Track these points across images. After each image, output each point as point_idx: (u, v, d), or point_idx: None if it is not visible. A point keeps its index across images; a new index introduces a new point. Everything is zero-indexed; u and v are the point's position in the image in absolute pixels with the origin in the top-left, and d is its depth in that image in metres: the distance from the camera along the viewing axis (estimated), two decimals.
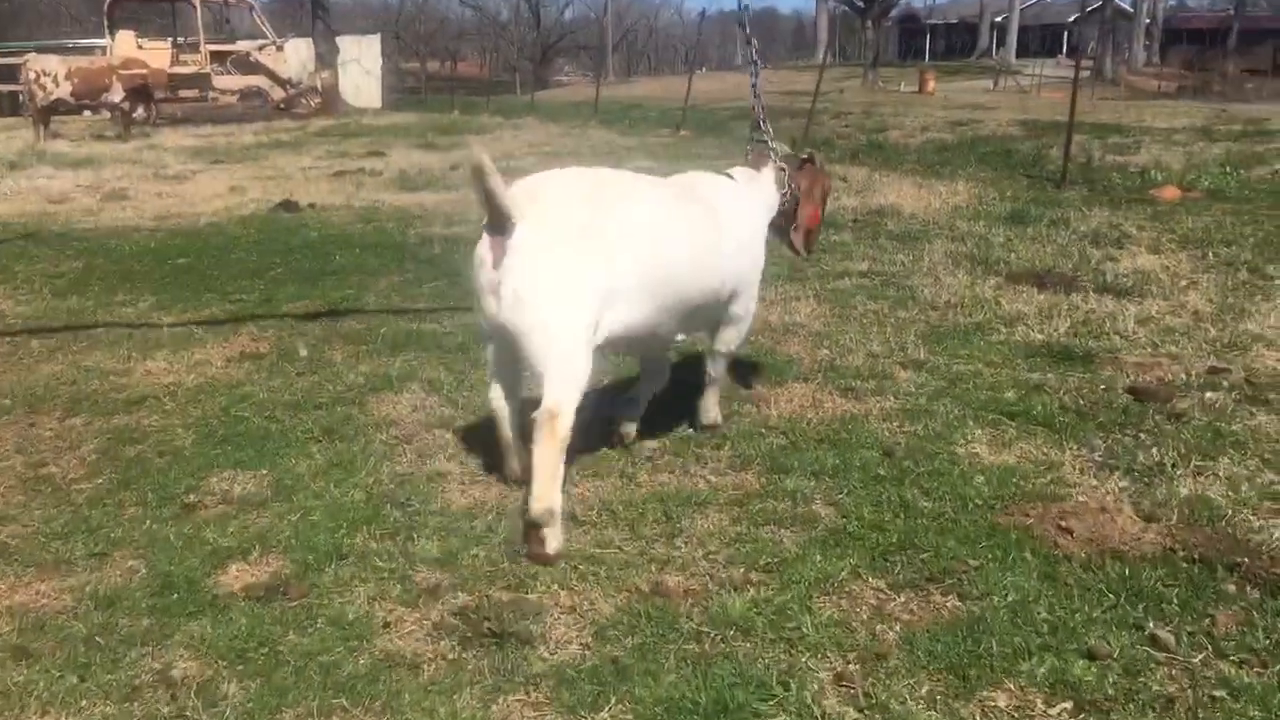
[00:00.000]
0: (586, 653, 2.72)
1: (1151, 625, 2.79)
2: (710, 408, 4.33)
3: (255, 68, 25.98)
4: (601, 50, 58.75)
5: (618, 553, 3.26)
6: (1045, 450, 4.12)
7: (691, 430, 4.29)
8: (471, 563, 3.20)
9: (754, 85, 4.78)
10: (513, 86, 46.44)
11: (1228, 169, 12.14)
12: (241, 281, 7.26)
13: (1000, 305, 6.46)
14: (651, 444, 4.16)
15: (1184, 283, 6.95)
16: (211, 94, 25.86)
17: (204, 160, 15.78)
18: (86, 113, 22.58)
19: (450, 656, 2.71)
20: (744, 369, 5.05)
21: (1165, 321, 6.06)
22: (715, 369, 4.28)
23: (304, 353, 5.44)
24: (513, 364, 3.50)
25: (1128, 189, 11.17)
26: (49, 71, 20.06)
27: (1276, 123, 17.11)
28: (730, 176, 4.25)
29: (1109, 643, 2.70)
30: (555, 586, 3.05)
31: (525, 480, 3.33)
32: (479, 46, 74.79)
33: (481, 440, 4.09)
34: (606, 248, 3.30)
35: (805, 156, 4.64)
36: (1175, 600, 2.92)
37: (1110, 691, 2.51)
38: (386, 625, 2.86)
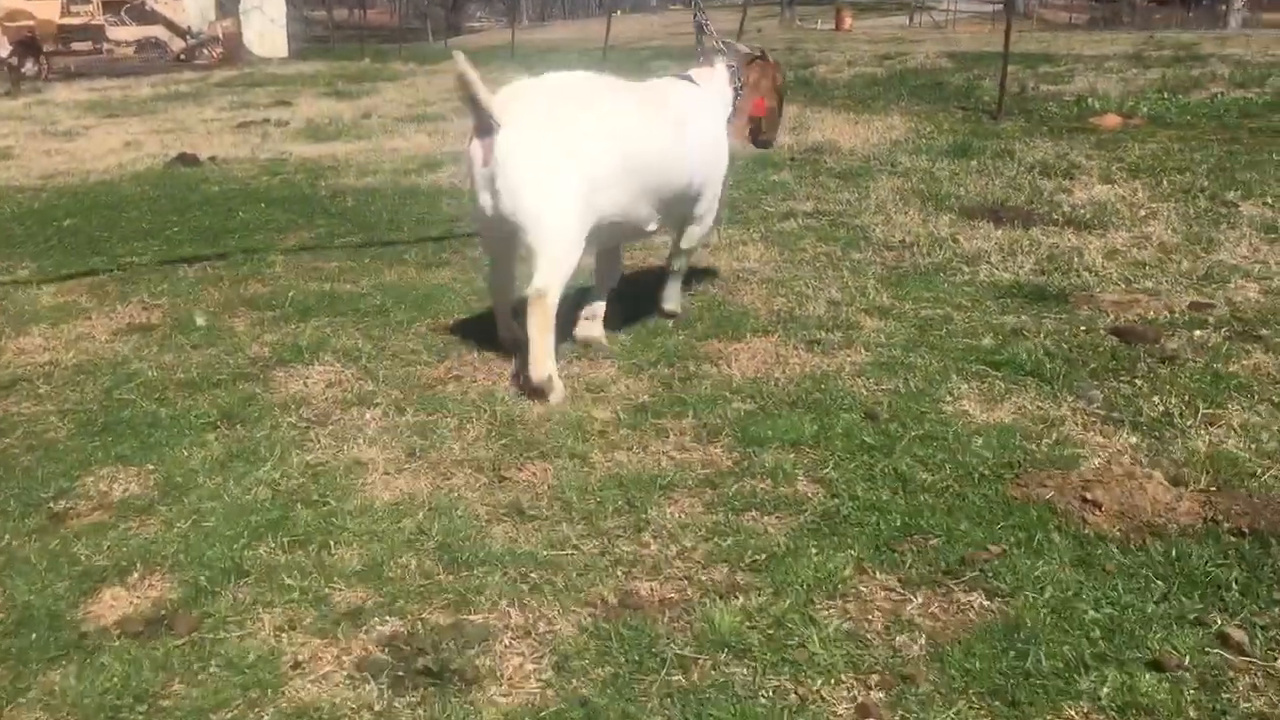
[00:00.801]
0: (548, 692, 2.19)
1: (1218, 620, 2.33)
2: (672, 296, 4.68)
3: (152, 17, 24.55)
4: None
5: (575, 554, 2.72)
6: (1040, 404, 3.66)
7: (646, 399, 3.76)
8: (401, 575, 2.64)
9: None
10: (424, 34, 44.92)
11: (1165, 94, 11.80)
12: (134, 243, 6.51)
13: (959, 243, 5.99)
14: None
15: (1143, 213, 6.55)
16: (106, 46, 24.39)
17: (97, 115, 14.70)
18: (26, 65, 20.95)
19: (378, 707, 2.15)
20: (697, 321, 4.52)
21: (1133, 255, 5.65)
22: (678, 264, 4.65)
23: (201, 322, 4.78)
24: (506, 252, 3.95)
25: (1066, 118, 10.77)
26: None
27: (1207, 46, 16.87)
28: (689, 79, 4.52)
29: (1175, 647, 2.23)
30: (503, 602, 2.50)
31: (518, 349, 3.91)
32: None
33: (410, 423, 3.52)
34: (585, 141, 3.63)
35: (756, 53, 4.83)
36: (1234, 585, 2.47)
37: (1192, 714, 2.04)
38: (297, 666, 2.29)
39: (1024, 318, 4.70)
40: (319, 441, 3.41)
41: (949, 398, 3.72)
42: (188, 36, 24.59)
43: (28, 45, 19.69)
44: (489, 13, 65.60)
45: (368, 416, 3.60)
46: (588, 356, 4.18)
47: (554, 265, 3.62)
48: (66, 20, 23.61)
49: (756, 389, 3.79)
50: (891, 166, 8.42)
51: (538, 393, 3.66)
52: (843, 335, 4.44)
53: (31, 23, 19.64)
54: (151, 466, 3.28)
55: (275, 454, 3.30)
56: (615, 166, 3.75)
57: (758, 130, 4.80)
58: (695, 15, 4.89)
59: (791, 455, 3.23)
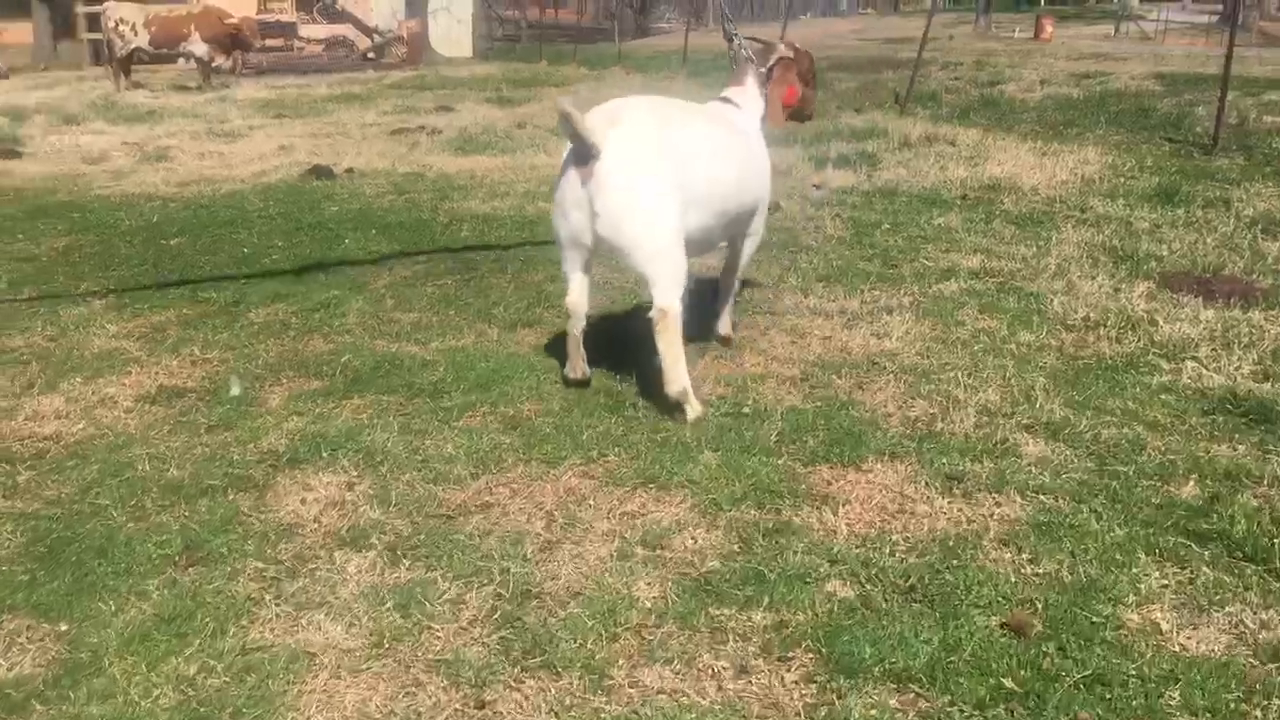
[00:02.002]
0: None
1: None
2: (725, 320, 4.62)
3: (342, 16, 24.73)
4: None
5: None
6: (1271, 618, 2.55)
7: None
8: None
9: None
10: (612, 34, 44.58)
11: None
12: (226, 271, 5.94)
13: (1157, 326, 4.79)
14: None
15: None
16: (297, 43, 24.71)
17: (266, 115, 14.57)
18: (180, 61, 21.43)
19: None
20: (806, 430, 3.54)
21: None
22: (731, 281, 4.60)
23: (235, 391, 4.08)
24: (587, 271, 3.97)
25: None
26: (127, 19, 19.05)
27: None
28: (729, 100, 4.50)
29: None
30: None
31: (581, 383, 4.02)
32: None
33: (399, 582, 2.68)
34: (679, 164, 3.69)
35: (788, 53, 4.70)
36: None
37: None
38: None
39: (1241, 449, 3.55)
40: (274, 609, 2.59)
41: (1132, 597, 2.64)
42: (374, 36, 24.67)
43: (221, 41, 19.89)
44: (679, 15, 65.01)
45: (351, 569, 2.76)
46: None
47: (669, 282, 3.68)
48: (262, 17, 24.01)
49: (865, 560, 2.80)
50: (1080, 213, 7.16)
51: (675, 407, 3.74)
52: (993, 468, 3.38)
53: (225, 19, 19.84)
54: (65, 627, 2.54)
55: (212, 627, 2.50)
56: (702, 188, 3.80)
57: (796, 116, 4.88)
58: (725, 27, 5.00)
59: (892, 700, 2.24)
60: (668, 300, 3.67)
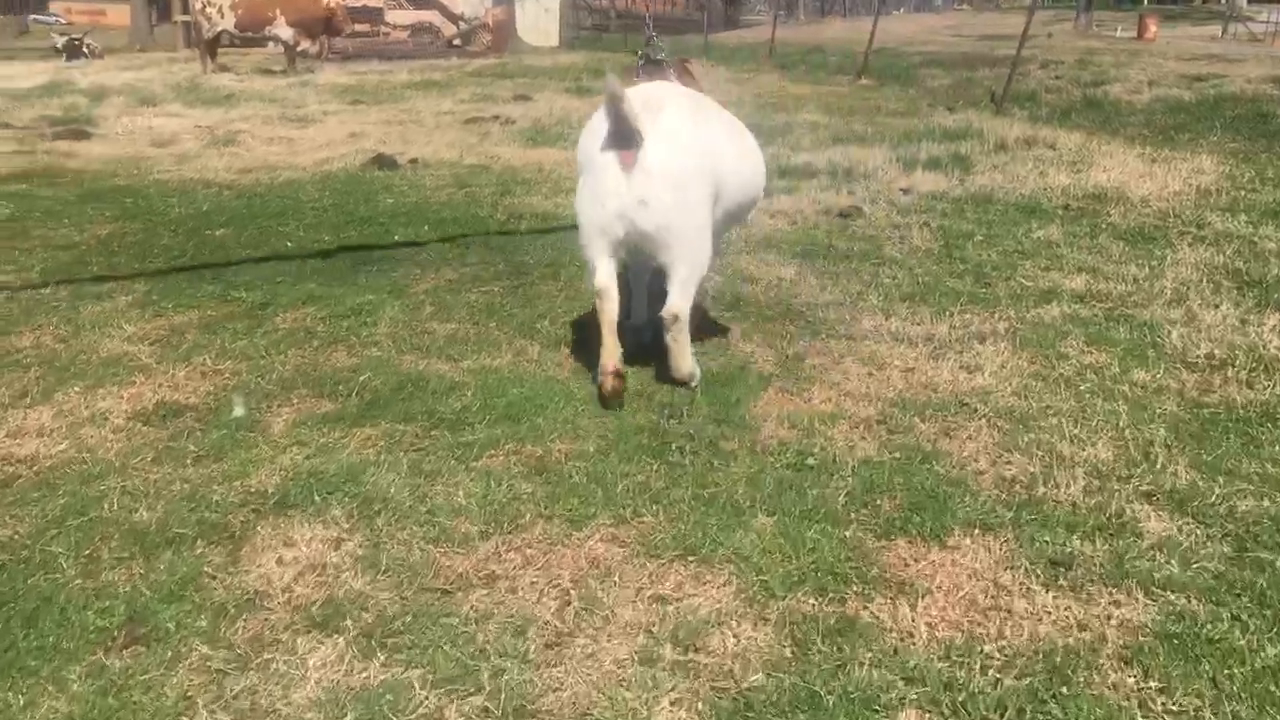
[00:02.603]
0: None
1: None
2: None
3: (428, 2, 24.43)
4: None
5: None
6: None
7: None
8: None
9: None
10: (702, 25, 43.87)
11: None
12: (262, 269, 5.50)
13: None
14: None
15: None
16: (383, 29, 24.49)
17: (344, 100, 14.26)
18: (269, 45, 21.23)
19: None
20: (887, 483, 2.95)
21: None
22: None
23: (238, 411, 3.61)
24: (618, 261, 3.70)
25: None
26: (214, 2, 18.95)
27: None
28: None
29: None
30: None
31: (616, 395, 3.63)
32: None
33: (365, 685, 2.16)
34: (713, 160, 3.62)
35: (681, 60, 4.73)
36: None
37: None
38: None
39: None
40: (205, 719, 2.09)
41: None
42: (460, 23, 24.35)
43: (307, 25, 19.67)
44: (768, 6, 64.07)
45: (314, 661, 2.24)
46: None
47: (691, 283, 3.62)
48: (351, 2, 23.82)
49: (948, 680, 2.21)
50: (1197, 229, 6.41)
51: (682, 383, 3.74)
52: (1108, 550, 2.76)
53: (311, 3, 19.63)
54: None
55: None
56: (729, 181, 3.73)
57: None
58: (646, 31, 5.03)
59: None
60: (685, 304, 3.60)
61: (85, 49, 22.71)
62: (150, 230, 6.48)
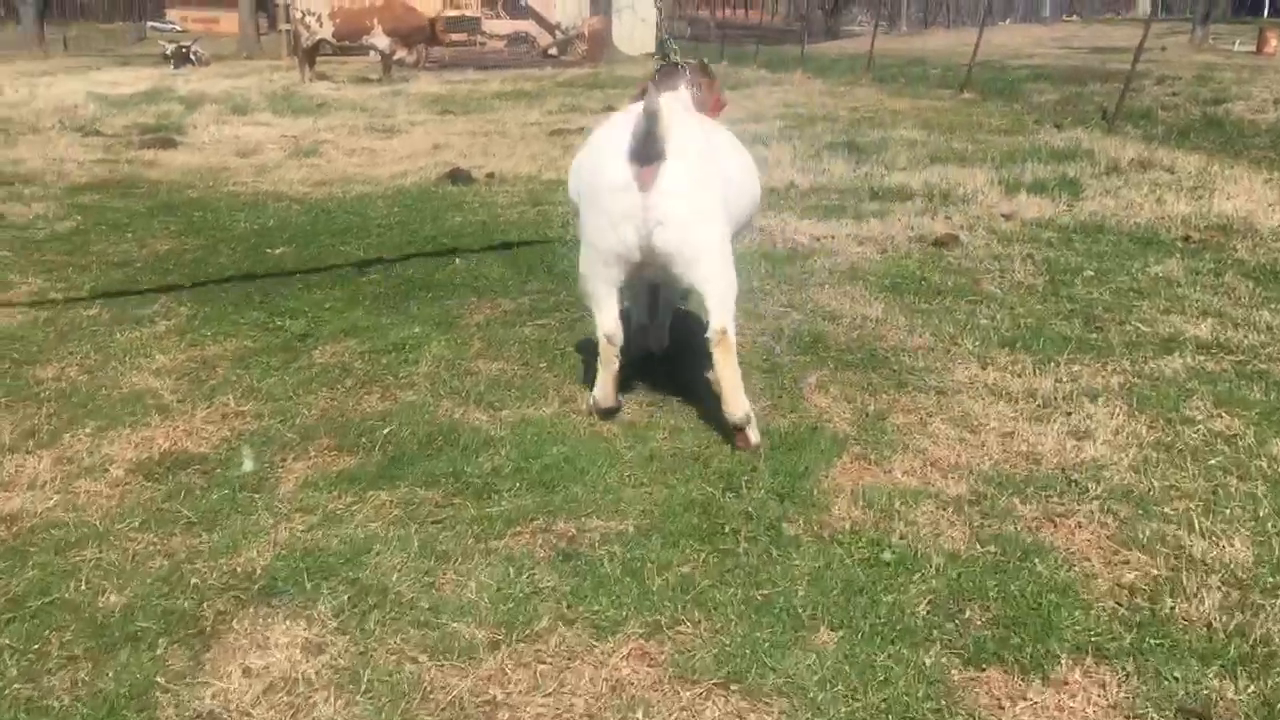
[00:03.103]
0: None
1: None
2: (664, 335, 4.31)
3: (525, 12, 24.28)
4: None
5: None
6: None
7: None
8: None
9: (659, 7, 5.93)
10: (802, 36, 43.10)
11: None
12: (311, 295, 5.16)
13: None
14: None
15: None
16: (480, 38, 24.39)
17: (432, 111, 14.06)
18: (371, 54, 21.14)
19: None
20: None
21: None
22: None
23: (248, 465, 3.23)
24: (628, 287, 3.64)
25: None
26: (313, 11, 19.03)
27: None
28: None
29: None
30: None
31: (612, 411, 3.57)
32: None
33: None
34: (725, 178, 3.48)
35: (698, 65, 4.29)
36: None
37: None
38: None
39: None
40: None
41: None
42: (556, 32, 24.14)
43: (404, 35, 19.62)
44: (871, 16, 62.87)
45: None
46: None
47: (728, 300, 3.40)
48: (449, 12, 23.80)
49: None
50: None
51: (737, 429, 3.35)
52: (1256, 696, 2.20)
53: (407, 13, 19.59)
54: None
55: None
56: (734, 200, 3.57)
57: None
58: (662, 41, 4.78)
59: None
60: (728, 319, 3.36)
61: (192, 56, 23.08)
62: (209, 248, 6.21)
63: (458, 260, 5.81)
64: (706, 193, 3.34)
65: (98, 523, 2.87)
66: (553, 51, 24.18)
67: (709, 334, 3.34)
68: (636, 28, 26.96)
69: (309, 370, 4.09)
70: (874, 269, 5.70)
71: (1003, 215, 6.97)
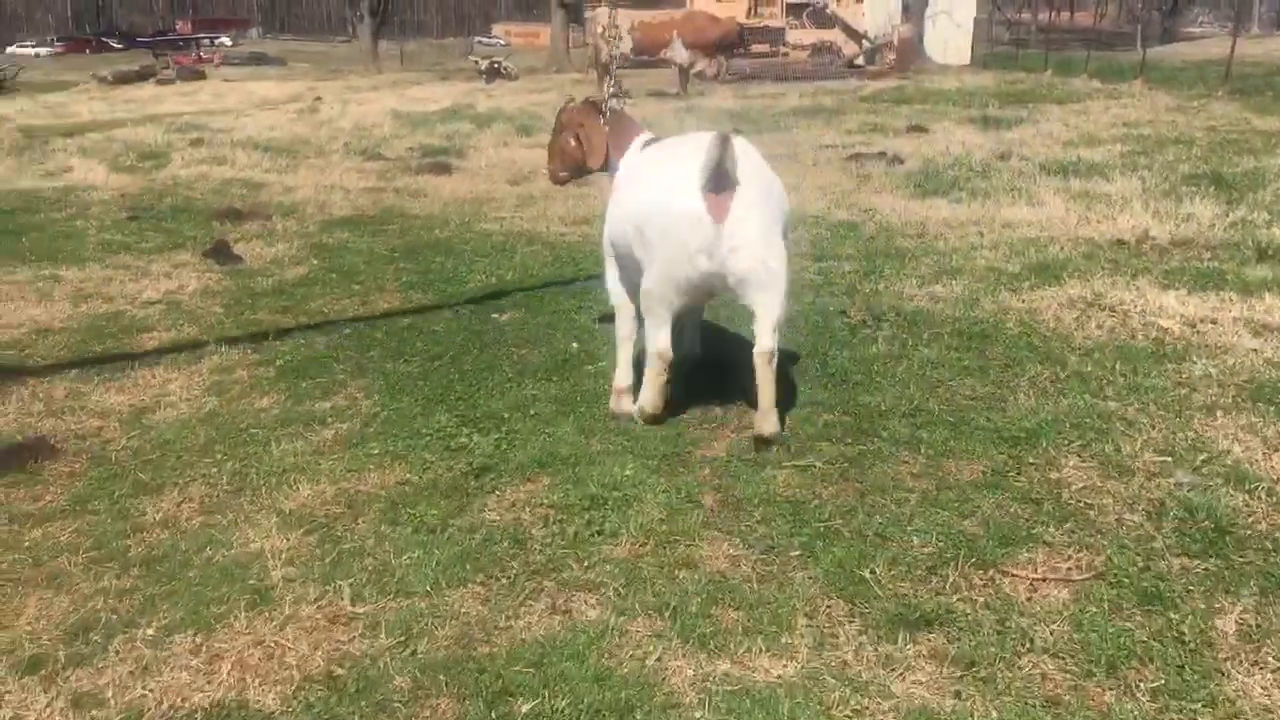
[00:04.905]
0: None
1: None
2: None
3: (831, 21, 22.66)
4: None
5: None
6: None
7: None
8: None
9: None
10: (1132, 39, 38.75)
11: None
12: (520, 388, 4.03)
13: None
14: None
15: None
16: (783, 49, 23.00)
17: (723, 129, 12.84)
18: (697, 65, 20.12)
19: None
20: None
21: None
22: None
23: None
24: (688, 314, 3.88)
25: None
26: (615, 24, 18.34)
27: None
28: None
29: None
30: None
31: (651, 419, 3.60)
32: None
33: None
34: (780, 199, 3.54)
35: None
36: None
37: None
38: None
39: None
40: None
41: None
42: (864, 41, 22.37)
43: (704, 47, 18.58)
44: (1215, 16, 56.16)
45: None
46: None
47: (780, 326, 3.45)
48: (751, 22, 22.58)
49: None
50: None
51: (766, 443, 3.41)
52: None
53: (708, 25, 18.54)
54: None
55: None
56: (785, 217, 3.56)
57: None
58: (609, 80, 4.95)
59: None
60: (777, 341, 3.44)
61: (503, 71, 23.14)
62: (432, 312, 5.22)
63: (698, 349, 4.48)
64: (771, 217, 3.39)
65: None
66: (858, 62, 22.42)
67: (760, 350, 3.40)
68: (952, 34, 24.72)
69: (471, 539, 2.88)
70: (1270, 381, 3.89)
71: None
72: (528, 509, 3.05)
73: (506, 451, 3.46)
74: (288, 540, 2.91)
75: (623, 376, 3.81)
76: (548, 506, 3.06)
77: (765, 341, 3.39)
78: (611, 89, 4.41)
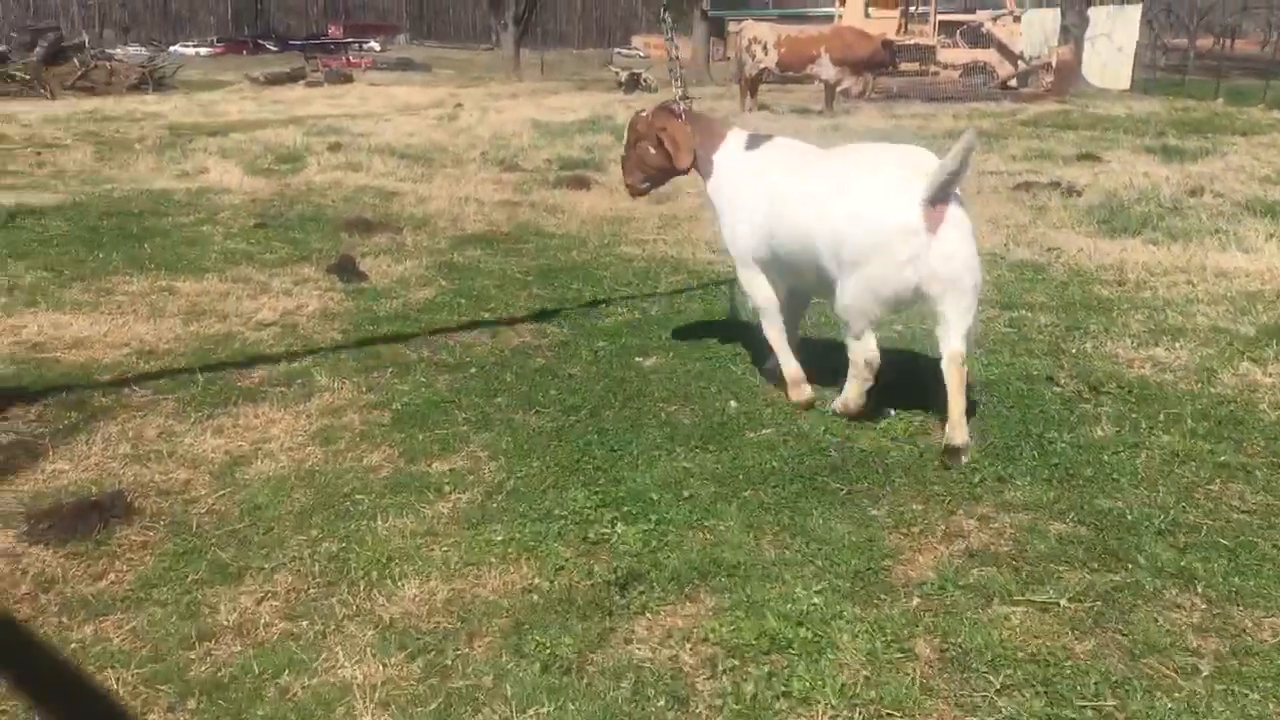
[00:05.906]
0: None
1: None
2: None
3: (985, 41, 21.42)
4: None
5: None
6: None
7: None
8: None
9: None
10: None
11: None
12: (673, 459, 3.34)
13: None
14: None
15: None
16: (934, 68, 21.85)
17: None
18: (844, 83, 18.94)
19: None
20: None
21: None
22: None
23: None
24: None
25: None
26: (760, 39, 17.57)
27: None
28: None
29: None
30: None
31: (853, 415, 3.56)
32: (1266, 21, 60.81)
33: None
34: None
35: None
36: None
37: None
38: None
39: None
40: None
41: None
42: (1019, 62, 21.09)
43: (852, 64, 17.63)
44: None
45: None
46: None
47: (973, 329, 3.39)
48: (902, 39, 21.51)
49: None
50: None
51: (955, 453, 3.27)
52: None
53: (856, 41, 17.59)
54: None
55: None
56: None
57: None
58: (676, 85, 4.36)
59: None
60: (968, 348, 3.33)
61: (643, 83, 22.59)
62: (568, 348, 4.58)
63: (893, 412, 3.71)
64: (969, 221, 3.27)
65: None
66: (1012, 83, 21.15)
67: (952, 353, 3.29)
68: (1112, 57, 23.19)
69: (616, 690, 2.20)
70: None
71: None
72: (688, 645, 2.34)
73: (658, 551, 2.76)
74: (384, 667, 2.27)
75: (793, 369, 3.84)
76: (714, 644, 2.34)
77: (957, 344, 3.29)
78: (679, 92, 4.06)
